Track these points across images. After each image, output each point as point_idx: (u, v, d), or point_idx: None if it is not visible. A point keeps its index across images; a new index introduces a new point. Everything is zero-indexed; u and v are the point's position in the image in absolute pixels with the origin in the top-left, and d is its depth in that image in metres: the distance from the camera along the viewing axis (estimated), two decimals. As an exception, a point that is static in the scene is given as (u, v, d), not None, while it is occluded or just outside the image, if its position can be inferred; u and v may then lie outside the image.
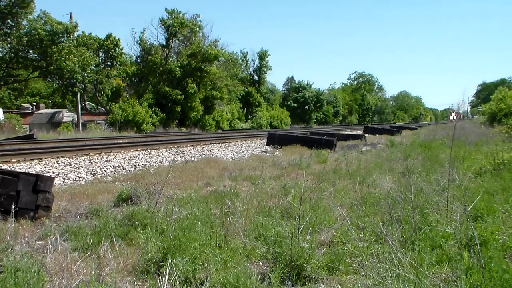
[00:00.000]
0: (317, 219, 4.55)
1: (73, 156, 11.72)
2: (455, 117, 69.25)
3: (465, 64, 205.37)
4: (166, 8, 39.40)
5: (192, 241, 3.66)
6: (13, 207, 4.75)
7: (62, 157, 11.51)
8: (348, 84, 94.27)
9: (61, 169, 9.86)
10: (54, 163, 10.57)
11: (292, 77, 71.57)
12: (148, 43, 40.34)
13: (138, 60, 40.98)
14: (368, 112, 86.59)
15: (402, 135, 25.51)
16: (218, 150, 15.89)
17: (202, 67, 38.27)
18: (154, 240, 3.75)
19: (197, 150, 15.29)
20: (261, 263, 3.82)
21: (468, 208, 3.57)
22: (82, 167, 10.28)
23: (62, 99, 41.31)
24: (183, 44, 41.56)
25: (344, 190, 6.49)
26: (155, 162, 11.74)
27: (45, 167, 10.02)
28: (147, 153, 13.46)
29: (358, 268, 3.47)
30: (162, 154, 13.61)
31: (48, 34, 28.86)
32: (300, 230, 3.71)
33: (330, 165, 10.26)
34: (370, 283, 2.92)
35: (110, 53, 37.02)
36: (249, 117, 50.20)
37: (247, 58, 55.74)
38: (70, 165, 10.45)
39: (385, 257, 3.28)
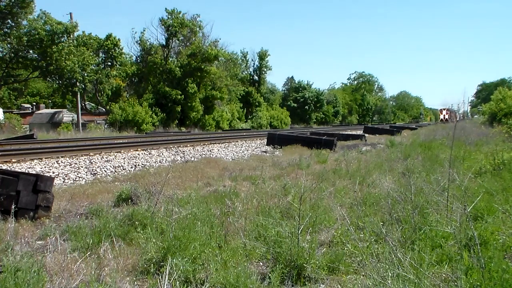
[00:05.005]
0: (317, 219, 4.55)
1: (73, 156, 11.72)
2: (446, 116, 65.54)
3: (465, 64, 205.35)
4: (166, 8, 39.51)
5: (192, 241, 3.65)
6: (13, 207, 4.75)
7: (62, 157, 11.50)
8: (348, 84, 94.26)
9: (61, 169, 9.85)
10: (54, 163, 10.56)
11: (292, 77, 71.63)
12: (148, 43, 40.35)
13: (138, 60, 40.99)
14: (368, 112, 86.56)
15: (402, 135, 25.50)
16: (218, 150, 15.89)
17: (202, 67, 38.27)
18: (154, 240, 3.75)
19: (197, 150, 15.29)
20: (261, 263, 3.82)
21: (468, 208, 3.57)
22: (82, 167, 10.28)
23: (62, 99, 41.31)
24: (183, 44, 41.57)
25: (344, 190, 6.49)
26: (155, 162, 11.74)
27: (45, 167, 10.02)
28: (147, 153, 13.46)
29: (358, 268, 3.47)
30: (162, 154, 13.61)
31: (48, 34, 28.85)
32: (300, 230, 3.71)
33: (330, 165, 10.26)
34: (370, 283, 2.92)
35: (110, 53, 37.02)
36: (249, 117, 50.20)
37: (247, 58, 55.82)
38: (70, 165, 10.45)
39: (385, 257, 3.28)
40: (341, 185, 6.92)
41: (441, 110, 69.26)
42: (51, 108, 40.53)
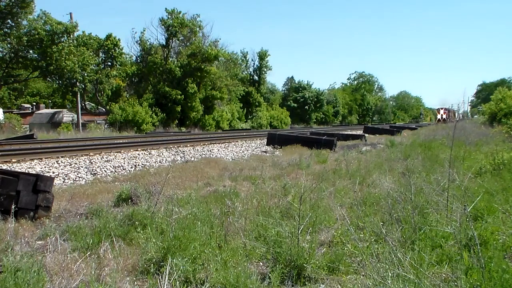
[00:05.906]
0: (317, 219, 4.55)
1: (73, 156, 11.72)
2: (444, 116, 63.27)
3: (465, 64, 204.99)
4: (166, 8, 39.44)
5: (192, 241, 3.66)
6: (13, 207, 4.75)
7: (62, 157, 11.50)
8: (348, 84, 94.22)
9: (61, 169, 9.86)
10: (54, 163, 10.56)
11: (292, 77, 71.54)
12: (148, 43, 40.32)
13: (138, 60, 40.96)
14: (368, 112, 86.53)
15: (402, 135, 25.49)
16: (218, 150, 15.89)
17: (202, 67, 38.25)
18: (154, 240, 3.75)
19: (197, 150, 15.29)
20: (261, 263, 3.82)
21: (468, 208, 3.57)
22: (82, 167, 10.28)
23: (62, 99, 41.34)
24: (183, 44, 41.54)
25: (344, 190, 6.49)
26: (155, 162, 11.74)
27: (45, 167, 10.02)
28: (147, 153, 13.46)
29: (358, 268, 3.47)
30: (162, 154, 13.61)
31: (48, 34, 28.87)
32: (300, 230, 3.72)
33: (330, 165, 10.26)
34: (370, 283, 2.92)
35: (110, 53, 37.04)
36: (249, 117, 50.18)
37: (247, 58, 55.71)
38: (70, 165, 10.45)
39: (385, 257, 3.28)
40: (341, 185, 6.92)
41: (438, 110, 65.95)
42: (51, 108, 40.57)
